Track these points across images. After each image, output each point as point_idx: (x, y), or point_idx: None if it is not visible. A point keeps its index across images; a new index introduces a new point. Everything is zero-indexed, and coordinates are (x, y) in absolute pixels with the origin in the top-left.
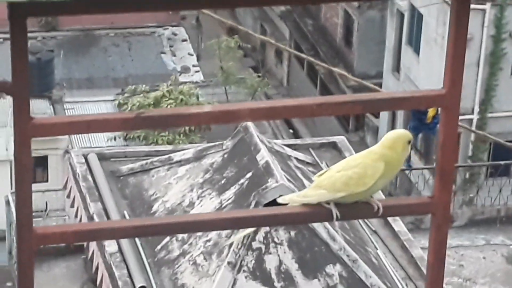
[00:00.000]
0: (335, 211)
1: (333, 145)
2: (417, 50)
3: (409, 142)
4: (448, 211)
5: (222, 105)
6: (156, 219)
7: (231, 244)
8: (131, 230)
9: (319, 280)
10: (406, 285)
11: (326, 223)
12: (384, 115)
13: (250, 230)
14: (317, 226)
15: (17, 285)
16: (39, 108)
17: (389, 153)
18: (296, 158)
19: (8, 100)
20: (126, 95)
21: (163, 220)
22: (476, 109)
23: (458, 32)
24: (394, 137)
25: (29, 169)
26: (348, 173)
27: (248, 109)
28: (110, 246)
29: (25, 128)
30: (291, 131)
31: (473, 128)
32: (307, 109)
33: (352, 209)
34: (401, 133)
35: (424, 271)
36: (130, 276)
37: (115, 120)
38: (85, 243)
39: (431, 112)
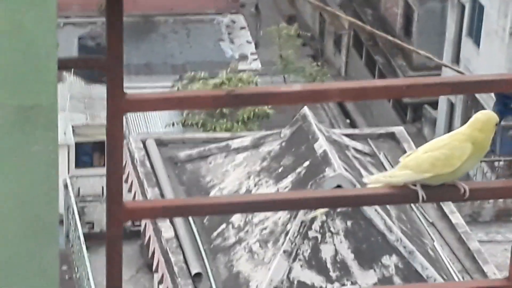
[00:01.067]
0: (421, 193)
1: (391, 136)
2: (477, 42)
3: (496, 124)
4: None
5: (311, 84)
6: (241, 197)
7: (287, 233)
8: (218, 207)
9: (374, 270)
10: (463, 277)
11: (383, 214)
12: (443, 107)
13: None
14: (374, 217)
15: (106, 258)
16: (98, 92)
17: (477, 135)
18: (354, 148)
19: (67, 84)
20: (185, 81)
21: (247, 198)
22: None
23: None
24: (484, 119)
25: (120, 145)
26: (435, 154)
27: (338, 89)
28: (167, 232)
29: (118, 104)
30: (348, 121)
31: None
32: (396, 90)
33: (438, 191)
34: (491, 114)
35: (481, 264)
36: (186, 262)
37: (206, 97)
38: (142, 228)
39: None
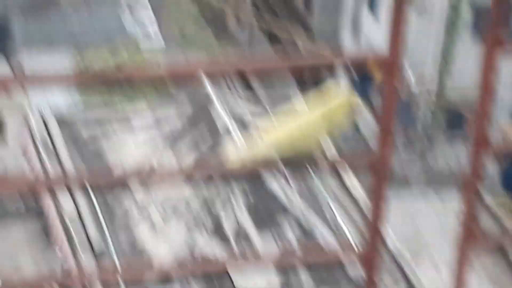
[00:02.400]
0: (281, 166)
1: (287, 98)
2: (376, 14)
3: (353, 103)
4: (388, 167)
5: (177, 62)
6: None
7: (189, 205)
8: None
9: (276, 242)
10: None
11: (284, 184)
12: (340, 73)
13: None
14: (275, 189)
15: None
16: None
17: (331, 112)
18: (250, 111)
19: None
20: (85, 58)
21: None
22: (435, 77)
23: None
24: (336, 97)
25: None
26: (292, 129)
27: (200, 64)
28: (69, 208)
29: None
30: (251, 95)
31: (432, 96)
32: (267, 64)
33: (299, 163)
34: (345, 94)
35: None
36: (88, 239)
37: (68, 77)
38: (44, 207)
39: (377, 72)
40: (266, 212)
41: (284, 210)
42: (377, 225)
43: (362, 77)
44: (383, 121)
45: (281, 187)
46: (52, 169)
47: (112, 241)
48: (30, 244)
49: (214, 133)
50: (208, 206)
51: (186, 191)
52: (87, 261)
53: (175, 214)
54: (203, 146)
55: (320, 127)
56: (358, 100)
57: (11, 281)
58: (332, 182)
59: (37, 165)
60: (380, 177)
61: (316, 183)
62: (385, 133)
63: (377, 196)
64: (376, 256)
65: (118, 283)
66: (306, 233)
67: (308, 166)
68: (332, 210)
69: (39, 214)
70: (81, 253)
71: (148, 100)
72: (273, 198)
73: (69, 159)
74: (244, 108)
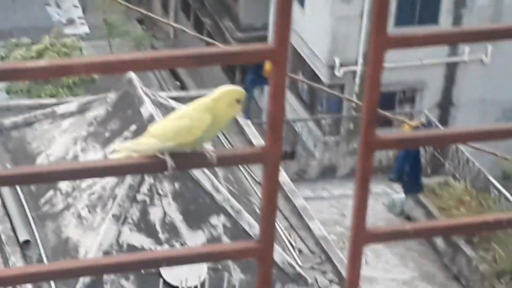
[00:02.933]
0: (169, 161)
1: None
2: (302, 2)
3: (238, 100)
4: (279, 160)
5: (58, 60)
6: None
7: (115, 197)
8: (42, 175)
9: (203, 231)
10: (290, 234)
11: (211, 175)
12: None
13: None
14: (202, 178)
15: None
16: None
17: (215, 107)
18: (173, 98)
19: None
20: (8, 48)
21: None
22: (360, 60)
23: None
24: (221, 93)
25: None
26: (178, 123)
27: (83, 63)
28: None
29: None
30: (178, 83)
31: (357, 80)
32: (143, 63)
33: (187, 158)
34: (229, 90)
35: (307, 220)
36: (13, 230)
37: None
38: None
39: (268, 65)
40: (194, 201)
41: (211, 198)
42: (270, 218)
43: (251, 71)
44: (272, 114)
45: (207, 175)
46: None
47: (37, 230)
48: None
49: (138, 120)
50: (134, 195)
51: (110, 179)
52: (12, 252)
53: (100, 202)
54: (127, 133)
55: (202, 118)
56: (243, 92)
57: None
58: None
59: None
60: (271, 171)
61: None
62: (274, 127)
63: (269, 190)
64: (268, 249)
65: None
66: (233, 222)
67: (192, 158)
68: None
69: None
70: (5, 243)
71: (71, 87)
72: (199, 185)
73: None
74: (167, 97)
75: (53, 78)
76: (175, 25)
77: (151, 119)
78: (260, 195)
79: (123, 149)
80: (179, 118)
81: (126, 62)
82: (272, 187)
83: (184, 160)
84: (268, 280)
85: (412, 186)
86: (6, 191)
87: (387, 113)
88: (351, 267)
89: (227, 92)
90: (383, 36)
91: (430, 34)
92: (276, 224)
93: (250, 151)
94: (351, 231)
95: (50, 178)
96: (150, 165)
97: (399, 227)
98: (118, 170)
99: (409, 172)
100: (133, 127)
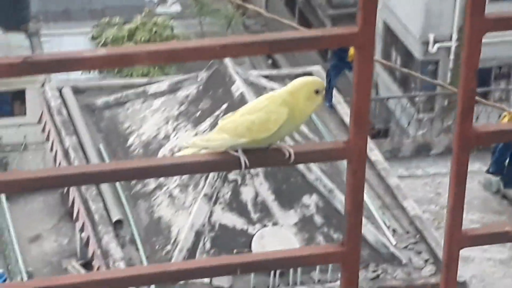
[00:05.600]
0: (243, 159)
1: (309, 75)
2: None
3: (317, 91)
4: (364, 155)
5: (118, 48)
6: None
7: (206, 177)
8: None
9: (295, 210)
10: (383, 213)
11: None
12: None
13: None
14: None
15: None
16: (16, 41)
17: (292, 100)
18: (272, 89)
19: None
20: (100, 27)
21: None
22: (454, 36)
23: None
24: (298, 84)
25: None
26: (251, 117)
27: (146, 52)
28: None
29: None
30: (270, 61)
31: (451, 56)
32: (210, 51)
33: (262, 155)
34: (307, 81)
35: (401, 199)
36: (106, 209)
37: (1, 66)
38: None
39: (352, 50)
40: (285, 180)
41: (303, 178)
42: (355, 219)
43: (335, 56)
44: (356, 105)
45: None
46: (68, 137)
47: (129, 210)
48: (49, 214)
49: (229, 99)
50: (226, 175)
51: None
52: (105, 232)
53: (192, 182)
54: (218, 112)
55: (278, 112)
56: (322, 83)
57: (31, 252)
58: None
59: (53, 134)
60: (355, 167)
61: None
62: (359, 119)
63: (354, 188)
64: (353, 253)
65: (138, 252)
66: (325, 201)
67: (268, 155)
68: None
69: None
70: (98, 223)
71: (162, 66)
72: (294, 168)
73: (84, 127)
74: (259, 75)
75: (113, 68)
76: (262, 12)
77: (242, 98)
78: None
79: (192, 145)
80: (252, 112)
81: (192, 50)
82: (357, 185)
83: (258, 157)
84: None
85: None
86: None
87: (484, 101)
88: (446, 272)
89: (304, 84)
90: (479, 18)
91: None
92: (362, 221)
93: (331, 146)
94: (445, 232)
95: (123, 176)
96: (222, 163)
97: (498, 228)
98: (188, 168)
99: (509, 164)
100: (224, 106)
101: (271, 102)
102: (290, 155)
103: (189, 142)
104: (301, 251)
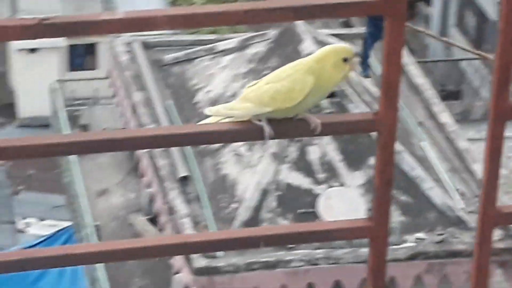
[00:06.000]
0: (267, 129)
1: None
2: None
3: (346, 59)
4: (395, 128)
5: (136, 11)
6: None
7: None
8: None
9: (362, 171)
10: (452, 176)
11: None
12: (438, 2)
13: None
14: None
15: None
16: None
17: (319, 68)
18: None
19: None
20: None
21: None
22: None
23: None
24: (325, 52)
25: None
26: (276, 85)
27: (166, 16)
28: None
29: None
30: (340, 20)
31: None
32: (233, 17)
33: (287, 126)
34: (335, 48)
35: (470, 163)
36: (172, 165)
37: (15, 28)
38: None
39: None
40: (352, 141)
41: (370, 139)
42: (385, 194)
43: (370, 24)
44: (386, 76)
45: None
46: (136, 92)
47: (195, 167)
48: (117, 169)
49: (298, 58)
50: None
51: None
52: (171, 188)
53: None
54: None
55: (304, 81)
56: (351, 50)
57: (98, 206)
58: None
59: (122, 89)
60: (385, 140)
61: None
62: (389, 91)
63: (383, 162)
64: (381, 228)
65: (203, 209)
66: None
67: (293, 126)
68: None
69: None
70: (164, 179)
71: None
72: None
73: (153, 82)
74: (329, 34)
75: (132, 31)
76: None
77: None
78: (421, 137)
79: (216, 113)
80: (277, 80)
81: (214, 15)
82: (387, 159)
83: (283, 127)
84: (381, 264)
85: None
86: (165, 125)
87: None
88: (478, 250)
89: (332, 51)
90: None
91: None
92: (391, 199)
93: (360, 118)
94: (478, 209)
95: (144, 144)
96: (245, 132)
97: None
98: (209, 138)
99: None
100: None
101: (297, 71)
102: (316, 126)
103: (213, 110)
104: (328, 225)
